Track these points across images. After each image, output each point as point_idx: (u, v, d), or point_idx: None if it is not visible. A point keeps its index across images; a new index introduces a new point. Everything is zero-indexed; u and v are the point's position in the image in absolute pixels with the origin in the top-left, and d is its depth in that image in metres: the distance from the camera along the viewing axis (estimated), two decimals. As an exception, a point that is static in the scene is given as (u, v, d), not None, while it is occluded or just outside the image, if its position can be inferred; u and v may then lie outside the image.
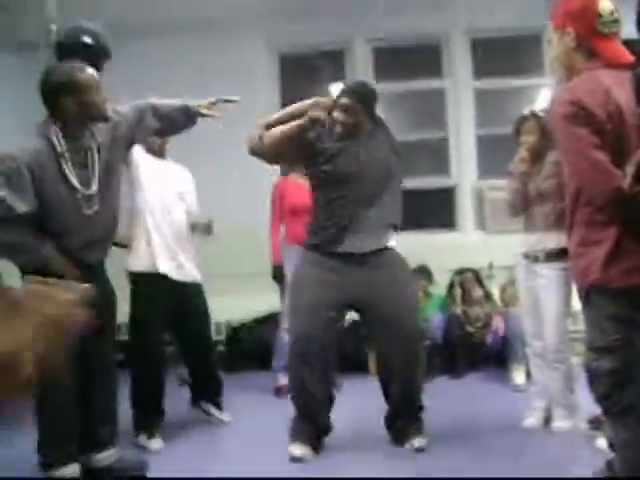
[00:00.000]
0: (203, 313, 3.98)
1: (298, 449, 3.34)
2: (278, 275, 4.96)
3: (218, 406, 4.07)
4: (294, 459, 3.31)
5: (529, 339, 3.79)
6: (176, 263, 3.73)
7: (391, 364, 3.44)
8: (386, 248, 3.45)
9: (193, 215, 3.95)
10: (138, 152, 3.69)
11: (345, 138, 3.47)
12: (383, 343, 3.46)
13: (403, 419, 3.48)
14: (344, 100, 3.45)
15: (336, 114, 3.46)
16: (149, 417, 3.68)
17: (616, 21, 2.22)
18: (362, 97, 3.47)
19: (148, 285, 3.64)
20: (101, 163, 2.97)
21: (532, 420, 3.71)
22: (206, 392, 4.06)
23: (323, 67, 6.56)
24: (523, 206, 3.71)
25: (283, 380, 4.83)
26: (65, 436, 2.94)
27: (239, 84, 6.28)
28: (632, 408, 2.10)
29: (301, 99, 3.52)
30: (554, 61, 2.35)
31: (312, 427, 3.42)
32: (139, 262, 3.68)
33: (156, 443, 3.60)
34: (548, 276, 3.57)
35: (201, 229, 3.94)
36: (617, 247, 2.09)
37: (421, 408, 3.51)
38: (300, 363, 3.36)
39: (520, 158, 3.70)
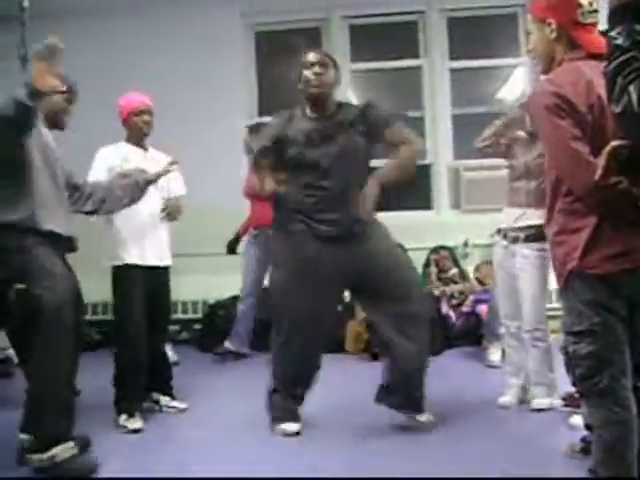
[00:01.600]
0: (164, 298, 4.00)
1: (289, 426, 3.40)
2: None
3: (170, 394, 4.02)
4: (288, 435, 3.37)
5: (504, 319, 3.86)
6: (143, 250, 3.80)
7: (400, 338, 3.35)
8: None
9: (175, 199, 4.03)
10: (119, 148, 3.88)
11: (315, 108, 3.38)
12: (388, 318, 3.37)
13: (404, 393, 3.42)
14: (314, 54, 3.38)
15: (306, 72, 3.34)
16: (129, 398, 3.70)
17: (595, 11, 2.24)
18: (333, 60, 3.42)
19: (123, 277, 3.76)
20: None
21: (508, 398, 3.78)
22: (156, 381, 3.97)
23: (299, 44, 6.52)
24: (493, 145, 3.83)
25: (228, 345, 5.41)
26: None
27: (215, 61, 6.28)
28: (609, 390, 2.15)
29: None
30: (533, 52, 2.37)
31: (291, 401, 3.47)
32: (111, 255, 3.79)
33: (136, 423, 3.61)
34: (527, 256, 3.62)
35: (169, 213, 3.97)
36: (595, 235, 2.14)
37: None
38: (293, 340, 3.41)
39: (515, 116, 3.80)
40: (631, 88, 1.55)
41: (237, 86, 6.48)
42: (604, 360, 2.15)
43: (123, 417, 3.63)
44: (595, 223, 2.13)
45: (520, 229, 3.66)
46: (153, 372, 3.90)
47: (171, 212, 3.94)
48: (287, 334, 3.43)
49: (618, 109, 1.61)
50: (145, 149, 3.96)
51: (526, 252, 3.62)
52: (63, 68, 2.81)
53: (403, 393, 3.43)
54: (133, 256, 3.77)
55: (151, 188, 3.81)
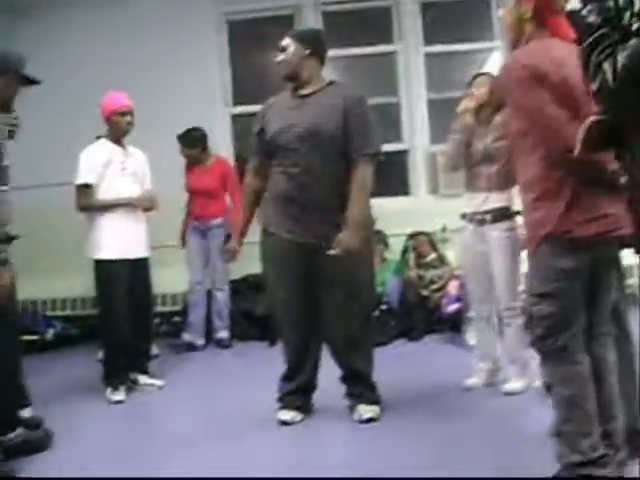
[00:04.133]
0: (147, 287, 4.31)
1: (286, 414, 3.42)
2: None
3: (147, 372, 4.34)
4: (283, 423, 3.39)
5: (475, 303, 3.87)
6: (126, 243, 4.09)
7: (335, 332, 3.42)
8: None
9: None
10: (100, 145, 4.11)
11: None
12: (330, 316, 3.40)
13: (353, 387, 3.47)
14: (285, 40, 3.41)
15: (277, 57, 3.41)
16: (115, 374, 4.10)
17: None
18: (303, 38, 3.42)
19: (107, 270, 4.05)
20: None
21: (474, 380, 3.82)
22: (133, 362, 4.26)
23: (273, 32, 6.46)
24: (462, 162, 3.75)
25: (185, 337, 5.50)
26: None
27: (188, 52, 6.21)
28: (565, 349, 2.25)
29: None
30: (504, 26, 2.43)
31: (299, 389, 3.48)
32: (98, 249, 4.06)
33: (119, 395, 4.03)
34: (496, 237, 3.63)
35: (143, 204, 4.25)
36: (572, 200, 2.20)
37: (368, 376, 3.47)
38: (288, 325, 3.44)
39: (464, 108, 3.71)
40: (605, 65, 1.56)
41: (212, 75, 6.42)
42: (563, 321, 2.25)
43: (108, 390, 4.04)
44: (572, 188, 2.18)
45: (486, 212, 3.66)
46: (133, 354, 4.20)
47: (149, 204, 4.23)
48: (280, 324, 3.49)
49: (594, 86, 1.62)
50: (124, 147, 4.18)
51: (495, 233, 3.63)
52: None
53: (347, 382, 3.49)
54: (117, 250, 4.03)
55: (131, 181, 4.11)
